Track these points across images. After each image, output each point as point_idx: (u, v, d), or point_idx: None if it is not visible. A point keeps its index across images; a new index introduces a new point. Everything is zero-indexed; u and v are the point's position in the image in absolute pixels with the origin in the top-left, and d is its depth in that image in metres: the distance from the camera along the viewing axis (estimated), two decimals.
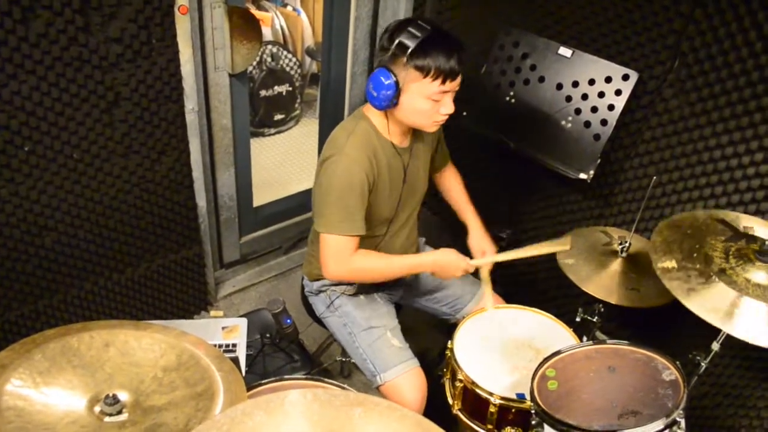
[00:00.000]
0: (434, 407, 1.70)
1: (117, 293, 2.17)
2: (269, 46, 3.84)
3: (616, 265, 1.76)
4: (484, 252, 1.83)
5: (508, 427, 1.55)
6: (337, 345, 2.14)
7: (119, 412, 1.02)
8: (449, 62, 1.45)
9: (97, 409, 1.02)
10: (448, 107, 1.54)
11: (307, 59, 4.31)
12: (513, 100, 2.07)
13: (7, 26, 1.52)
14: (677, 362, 1.34)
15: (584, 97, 1.93)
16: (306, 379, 1.52)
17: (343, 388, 1.43)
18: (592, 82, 1.92)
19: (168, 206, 2.15)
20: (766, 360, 1.85)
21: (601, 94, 1.90)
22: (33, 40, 1.57)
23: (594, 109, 1.91)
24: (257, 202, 2.75)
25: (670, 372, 1.33)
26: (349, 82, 2.72)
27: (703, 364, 1.58)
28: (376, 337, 1.74)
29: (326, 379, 1.48)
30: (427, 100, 1.51)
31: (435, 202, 2.66)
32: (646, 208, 1.89)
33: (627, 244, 1.77)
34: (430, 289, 1.95)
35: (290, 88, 3.99)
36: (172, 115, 1.98)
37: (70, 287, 2.03)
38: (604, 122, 1.89)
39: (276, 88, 3.91)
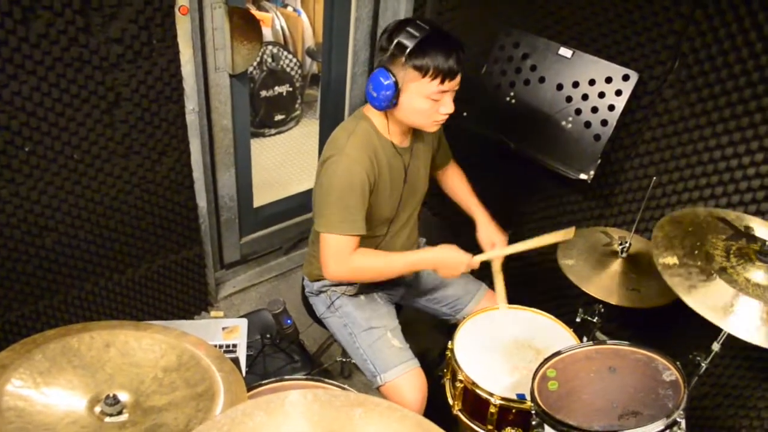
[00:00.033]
0: (434, 408, 1.70)
1: (117, 294, 2.18)
2: (270, 47, 3.84)
3: (616, 265, 1.76)
4: (494, 244, 1.82)
5: (509, 428, 1.55)
6: (337, 345, 2.14)
7: (119, 413, 1.02)
8: (448, 62, 1.45)
9: (97, 409, 1.02)
10: (447, 107, 1.54)
11: (308, 60, 4.31)
12: (513, 101, 2.07)
13: (8, 27, 1.52)
14: (678, 363, 1.34)
15: (584, 97, 1.93)
16: (306, 379, 1.52)
17: (344, 389, 1.43)
18: (592, 82, 1.92)
19: (168, 207, 2.15)
20: (766, 360, 1.85)
21: (602, 95, 1.90)
22: (33, 41, 1.57)
23: (594, 110, 1.91)
24: (258, 202, 2.75)
25: (670, 372, 1.33)
26: (349, 83, 2.72)
27: (703, 364, 1.58)
28: (376, 337, 1.74)
29: (326, 380, 1.48)
30: (427, 99, 1.51)
31: (435, 202, 2.66)
32: (646, 209, 1.89)
33: (627, 245, 1.77)
34: (431, 288, 1.95)
35: (291, 89, 3.99)
36: (172, 116, 1.98)
37: (71, 288, 2.03)
38: (604, 122, 1.89)
39: (276, 88, 3.91)
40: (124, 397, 1.05)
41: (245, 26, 2.18)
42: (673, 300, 1.60)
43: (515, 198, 2.41)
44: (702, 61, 1.75)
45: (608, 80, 1.89)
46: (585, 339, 1.87)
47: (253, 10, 3.33)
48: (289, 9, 4.30)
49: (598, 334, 1.99)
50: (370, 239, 1.69)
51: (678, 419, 1.23)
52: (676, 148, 1.89)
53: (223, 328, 1.72)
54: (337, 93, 2.75)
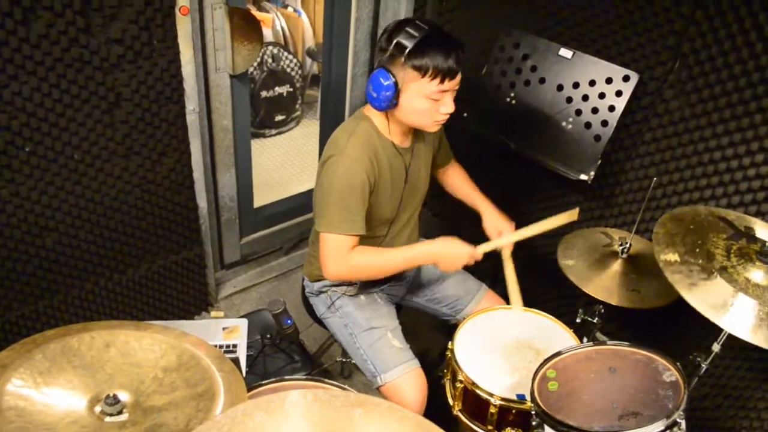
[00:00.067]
0: (435, 408, 1.70)
1: (118, 294, 2.18)
2: (270, 47, 3.84)
3: (616, 266, 1.76)
4: (501, 233, 1.79)
5: (509, 428, 1.55)
6: (337, 346, 2.14)
7: (120, 413, 1.03)
8: (447, 61, 1.45)
9: (97, 409, 1.02)
10: (448, 106, 1.54)
11: (308, 60, 4.32)
12: (514, 101, 2.07)
13: (8, 27, 1.52)
14: (678, 363, 1.34)
15: (585, 98, 1.93)
16: (306, 379, 1.52)
17: (344, 389, 1.42)
18: (592, 83, 1.92)
19: (169, 207, 2.15)
20: (766, 361, 1.85)
21: (602, 95, 1.90)
22: (34, 42, 1.57)
23: (594, 110, 1.91)
24: (258, 202, 2.76)
25: (670, 373, 1.33)
26: (349, 83, 2.72)
27: (703, 365, 1.58)
28: (376, 337, 1.74)
29: (327, 380, 1.48)
30: (427, 99, 1.51)
31: (436, 203, 2.67)
32: (646, 209, 1.89)
33: (627, 245, 1.77)
34: (432, 286, 1.95)
35: (291, 89, 3.99)
36: (172, 116, 1.98)
37: (71, 288, 2.03)
38: (604, 123, 1.89)
39: (277, 89, 3.92)
40: (124, 396, 1.05)
41: (246, 27, 2.18)
42: (673, 301, 1.60)
43: (515, 199, 2.40)
44: (702, 61, 1.75)
45: (608, 81, 1.89)
46: (585, 339, 1.87)
47: (254, 11, 3.34)
48: (290, 9, 4.30)
49: (598, 335, 1.98)
50: (370, 240, 1.69)
51: (678, 420, 1.23)
52: (676, 148, 1.89)
53: (224, 328, 1.73)
54: (337, 93, 2.75)
